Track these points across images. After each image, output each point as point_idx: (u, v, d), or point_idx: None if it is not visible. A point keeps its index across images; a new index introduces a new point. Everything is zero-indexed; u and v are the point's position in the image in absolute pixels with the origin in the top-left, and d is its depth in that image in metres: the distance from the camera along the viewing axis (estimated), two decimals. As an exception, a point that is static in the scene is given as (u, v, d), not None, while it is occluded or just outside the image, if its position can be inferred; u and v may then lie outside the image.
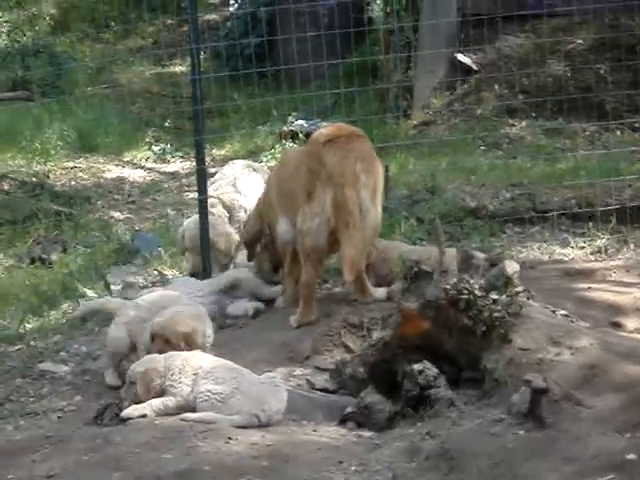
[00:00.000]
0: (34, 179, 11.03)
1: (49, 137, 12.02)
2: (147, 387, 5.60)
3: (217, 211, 7.98)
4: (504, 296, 5.54)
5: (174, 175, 11.96)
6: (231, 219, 8.16)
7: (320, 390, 6.05)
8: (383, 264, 7.07)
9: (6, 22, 16.72)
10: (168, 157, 12.50)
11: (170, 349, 5.86)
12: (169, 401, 5.57)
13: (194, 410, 5.49)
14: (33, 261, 8.82)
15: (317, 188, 6.68)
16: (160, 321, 6.06)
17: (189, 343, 5.96)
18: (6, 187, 10.78)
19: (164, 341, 5.97)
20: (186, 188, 11.32)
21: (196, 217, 8.04)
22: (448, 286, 5.54)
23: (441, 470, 4.79)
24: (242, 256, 7.79)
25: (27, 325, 7.43)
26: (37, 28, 16.97)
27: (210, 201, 7.91)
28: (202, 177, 7.87)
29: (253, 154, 11.78)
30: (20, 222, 9.63)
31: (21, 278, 8.42)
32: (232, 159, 10.65)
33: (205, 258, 7.71)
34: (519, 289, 5.64)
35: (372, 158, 6.88)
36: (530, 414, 4.91)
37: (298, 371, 6.24)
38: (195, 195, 10.26)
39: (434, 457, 4.89)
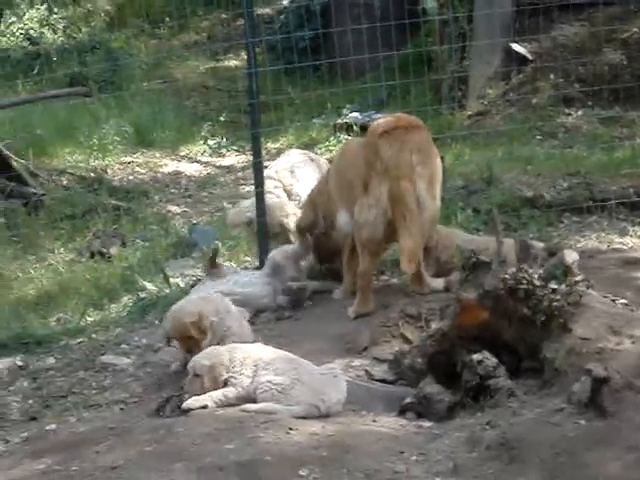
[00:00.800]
0: (92, 174, 11.17)
1: (106, 132, 12.12)
2: (215, 380, 5.65)
3: (278, 192, 8.04)
4: (563, 285, 5.52)
5: (229, 169, 12.03)
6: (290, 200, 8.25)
7: (379, 381, 6.05)
8: (444, 251, 7.07)
9: (62, 19, 16.87)
10: (223, 151, 12.58)
11: (193, 342, 5.92)
12: (229, 392, 5.61)
13: (254, 401, 5.52)
14: (93, 255, 8.92)
15: (373, 180, 6.69)
16: (166, 324, 6.14)
17: (203, 330, 6.01)
18: (65, 182, 10.93)
19: (181, 339, 6.04)
20: (242, 181, 11.39)
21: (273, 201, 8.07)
22: (507, 276, 5.53)
23: (502, 460, 4.79)
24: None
25: (88, 318, 7.52)
26: (93, 24, 17.15)
27: (272, 183, 7.96)
28: (259, 170, 7.92)
29: (307, 147, 11.79)
30: (79, 217, 9.75)
31: (81, 272, 8.52)
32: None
33: (262, 246, 7.74)
34: (578, 278, 5.61)
35: (429, 149, 6.87)
36: (591, 403, 4.89)
37: (356, 362, 6.25)
38: (251, 188, 10.39)
39: (495, 447, 4.88)
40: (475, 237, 7.43)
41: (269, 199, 8.04)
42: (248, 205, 8.13)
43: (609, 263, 7.38)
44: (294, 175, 8.28)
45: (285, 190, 8.16)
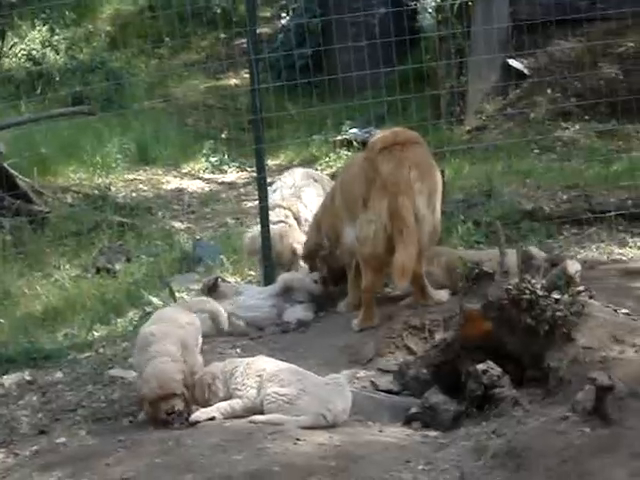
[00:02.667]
0: (96, 191, 11.24)
1: (110, 150, 12.23)
2: (201, 389, 5.75)
3: (289, 221, 8.08)
4: (566, 295, 5.58)
5: (231, 185, 12.11)
6: (300, 227, 8.29)
7: (384, 391, 6.11)
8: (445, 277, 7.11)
9: (64, 39, 16.98)
10: (225, 168, 12.67)
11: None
12: (236, 404, 5.68)
13: (261, 412, 5.58)
14: (98, 271, 8.97)
15: (372, 195, 6.75)
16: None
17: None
18: (69, 200, 11.00)
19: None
20: (244, 197, 11.48)
21: (277, 227, 8.12)
22: (510, 286, 5.59)
23: (508, 468, 4.83)
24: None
25: (95, 333, 7.57)
26: (94, 45, 17.25)
27: (283, 212, 8.01)
28: (262, 185, 7.99)
29: (308, 163, 11.88)
30: (85, 233, 9.79)
31: (87, 288, 8.56)
32: (287, 168, 10.78)
33: (268, 265, 7.81)
34: (581, 288, 5.68)
35: (427, 164, 6.91)
36: (595, 411, 4.93)
37: (362, 373, 6.31)
38: (253, 204, 10.47)
39: (501, 455, 4.93)
40: (476, 252, 7.49)
41: (282, 228, 8.11)
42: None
43: (609, 274, 7.44)
44: (301, 199, 8.34)
45: (295, 217, 8.24)
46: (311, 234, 7.67)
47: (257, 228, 8.27)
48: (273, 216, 8.10)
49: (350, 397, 5.62)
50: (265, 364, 5.81)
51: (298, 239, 8.03)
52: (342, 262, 7.36)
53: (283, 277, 7.55)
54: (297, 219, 8.26)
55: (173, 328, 6.06)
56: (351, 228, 7.05)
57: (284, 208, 8.13)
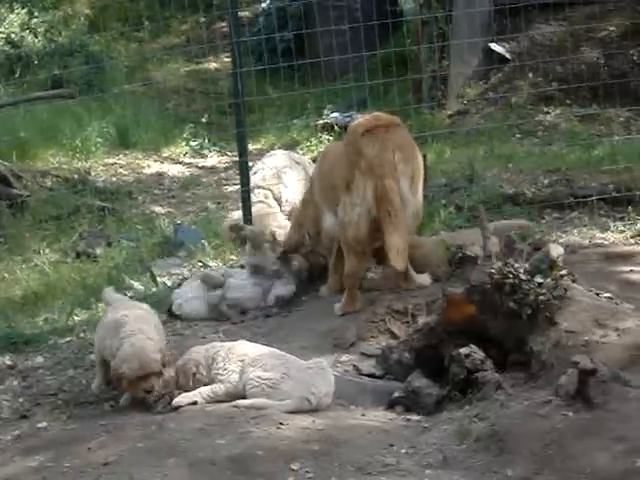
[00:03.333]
0: (76, 176, 11.17)
1: (89, 134, 12.16)
2: (186, 376, 5.74)
3: (270, 202, 8.06)
4: (549, 279, 5.59)
5: (212, 169, 12.08)
6: (281, 210, 8.28)
7: (367, 375, 6.11)
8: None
9: (43, 22, 16.86)
10: (206, 152, 12.62)
11: None
12: (218, 389, 5.67)
13: (243, 397, 5.57)
14: (78, 255, 8.91)
15: (356, 179, 6.73)
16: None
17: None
18: (49, 184, 10.93)
19: None
20: (224, 182, 11.45)
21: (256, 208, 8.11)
22: (493, 270, 5.60)
23: (491, 452, 4.85)
24: None
25: (76, 318, 7.52)
26: (73, 28, 17.14)
27: (262, 192, 7.99)
28: (244, 170, 7.97)
29: (289, 147, 11.84)
30: (64, 218, 9.75)
31: (67, 272, 8.51)
32: (268, 153, 10.75)
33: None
34: (564, 272, 5.69)
35: (410, 146, 6.93)
36: (578, 395, 4.94)
37: (344, 357, 6.30)
38: (234, 188, 10.44)
39: (484, 439, 4.94)
40: (455, 233, 7.54)
41: (261, 209, 8.07)
42: (240, 217, 8.18)
43: (591, 258, 7.46)
44: (282, 181, 8.31)
45: (276, 198, 8.20)
46: (292, 231, 7.64)
47: (236, 213, 8.24)
48: (253, 197, 8.08)
49: (333, 381, 5.62)
50: (247, 348, 5.80)
51: (278, 221, 8.00)
52: (323, 259, 7.41)
53: (249, 261, 7.52)
54: (277, 200, 8.24)
55: (143, 311, 6.11)
56: (331, 214, 7.04)
57: (264, 189, 8.12)
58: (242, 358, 5.67)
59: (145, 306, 6.33)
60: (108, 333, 5.93)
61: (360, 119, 7.23)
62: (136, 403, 5.76)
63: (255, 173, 8.31)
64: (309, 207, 7.39)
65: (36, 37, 16.44)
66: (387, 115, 7.15)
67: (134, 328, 5.85)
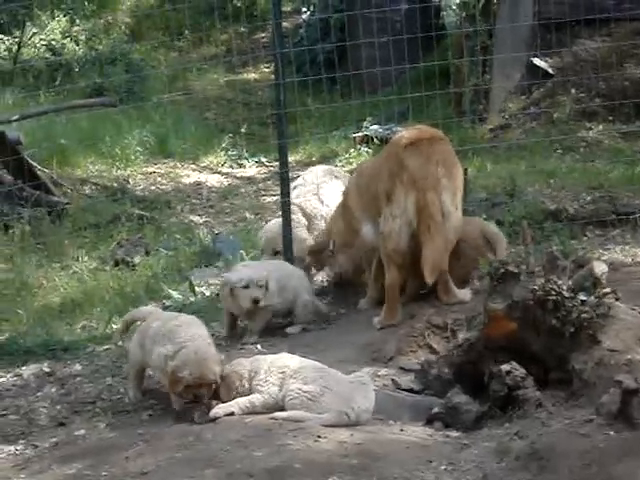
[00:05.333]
0: (115, 184, 11.23)
1: (129, 143, 12.20)
2: (228, 389, 5.71)
3: (296, 217, 8.07)
4: (592, 297, 5.54)
5: (250, 180, 12.08)
6: (310, 227, 8.27)
7: (405, 390, 6.06)
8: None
9: (84, 30, 16.98)
10: (244, 162, 12.63)
11: None
12: (256, 400, 5.64)
13: (281, 409, 5.55)
14: (117, 263, 8.94)
15: (398, 190, 6.73)
16: None
17: None
18: (88, 191, 10.99)
19: None
20: (263, 192, 11.44)
21: (273, 221, 8.21)
22: (536, 287, 5.55)
23: (531, 470, 4.79)
24: None
25: (114, 326, 7.52)
26: (114, 36, 17.24)
27: (294, 208, 8.01)
28: (285, 180, 7.95)
29: (327, 159, 11.85)
30: (103, 225, 9.79)
31: (105, 280, 8.54)
32: (306, 164, 10.76)
33: (288, 260, 7.78)
34: (607, 290, 5.63)
35: (453, 161, 6.94)
36: (620, 415, 4.89)
37: (383, 371, 6.27)
38: (272, 199, 10.45)
39: (524, 457, 4.89)
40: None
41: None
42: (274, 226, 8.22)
43: (634, 276, 7.36)
44: (319, 197, 8.32)
45: (306, 215, 8.25)
46: (322, 235, 7.76)
47: (271, 223, 8.26)
48: None
49: (373, 396, 5.58)
50: (288, 361, 5.78)
51: (298, 236, 8.00)
52: (343, 268, 7.54)
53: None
54: (308, 216, 8.25)
55: (191, 319, 6.09)
56: (371, 225, 7.02)
57: (295, 205, 8.13)
58: (283, 370, 5.65)
59: (189, 316, 6.30)
60: (159, 341, 5.90)
61: (403, 132, 7.24)
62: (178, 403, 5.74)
63: (294, 188, 8.32)
64: (339, 219, 7.44)
65: (77, 45, 16.57)
66: (431, 128, 7.17)
67: (192, 334, 5.85)
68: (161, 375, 5.93)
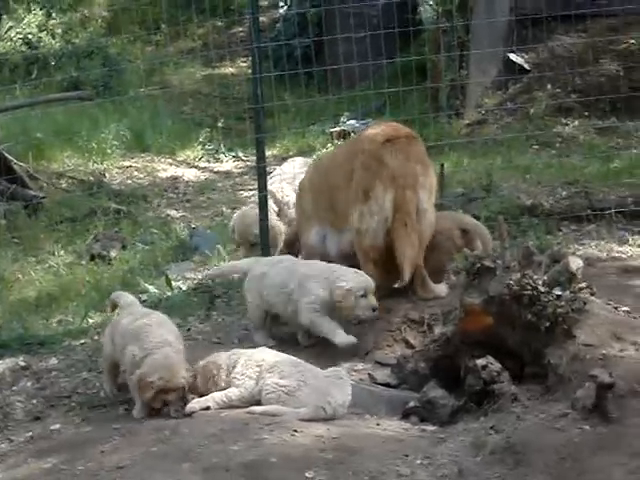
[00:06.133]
0: (91, 178, 11.20)
1: (105, 137, 12.16)
2: (205, 379, 5.71)
3: (270, 204, 8.09)
4: (568, 292, 5.55)
5: (227, 174, 12.06)
6: (280, 213, 8.28)
7: (382, 385, 6.08)
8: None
9: (60, 24, 16.90)
10: (221, 157, 12.61)
11: None
12: (232, 394, 5.65)
13: (257, 403, 5.56)
14: (93, 258, 8.91)
15: (376, 187, 6.73)
16: None
17: None
18: (64, 185, 10.95)
19: None
20: (240, 187, 11.43)
21: (243, 211, 8.29)
22: (511, 282, 5.56)
23: (507, 464, 4.83)
24: None
25: (90, 320, 7.51)
26: (90, 30, 17.17)
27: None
28: (262, 175, 7.95)
29: (304, 154, 11.83)
30: (79, 219, 9.77)
31: (81, 274, 8.52)
32: (284, 159, 10.75)
33: (265, 251, 7.79)
34: (582, 285, 5.65)
35: (427, 160, 7.00)
36: (595, 409, 4.92)
37: (360, 366, 6.28)
38: (249, 193, 10.44)
39: (499, 451, 4.92)
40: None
41: (245, 209, 8.27)
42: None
43: (609, 271, 7.42)
44: (294, 186, 8.30)
45: (276, 201, 8.28)
46: (292, 230, 7.77)
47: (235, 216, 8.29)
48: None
49: (350, 390, 5.59)
50: (265, 355, 5.78)
51: (270, 222, 8.01)
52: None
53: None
54: (278, 202, 8.27)
55: (162, 319, 6.04)
56: (319, 229, 7.07)
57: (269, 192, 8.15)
58: (260, 364, 5.66)
59: (161, 315, 6.22)
60: (128, 340, 5.87)
61: (374, 128, 7.19)
62: (149, 413, 5.71)
63: (271, 178, 8.34)
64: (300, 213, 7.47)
65: (53, 38, 16.52)
66: (404, 127, 7.14)
67: (161, 340, 5.78)
68: (128, 375, 5.88)
